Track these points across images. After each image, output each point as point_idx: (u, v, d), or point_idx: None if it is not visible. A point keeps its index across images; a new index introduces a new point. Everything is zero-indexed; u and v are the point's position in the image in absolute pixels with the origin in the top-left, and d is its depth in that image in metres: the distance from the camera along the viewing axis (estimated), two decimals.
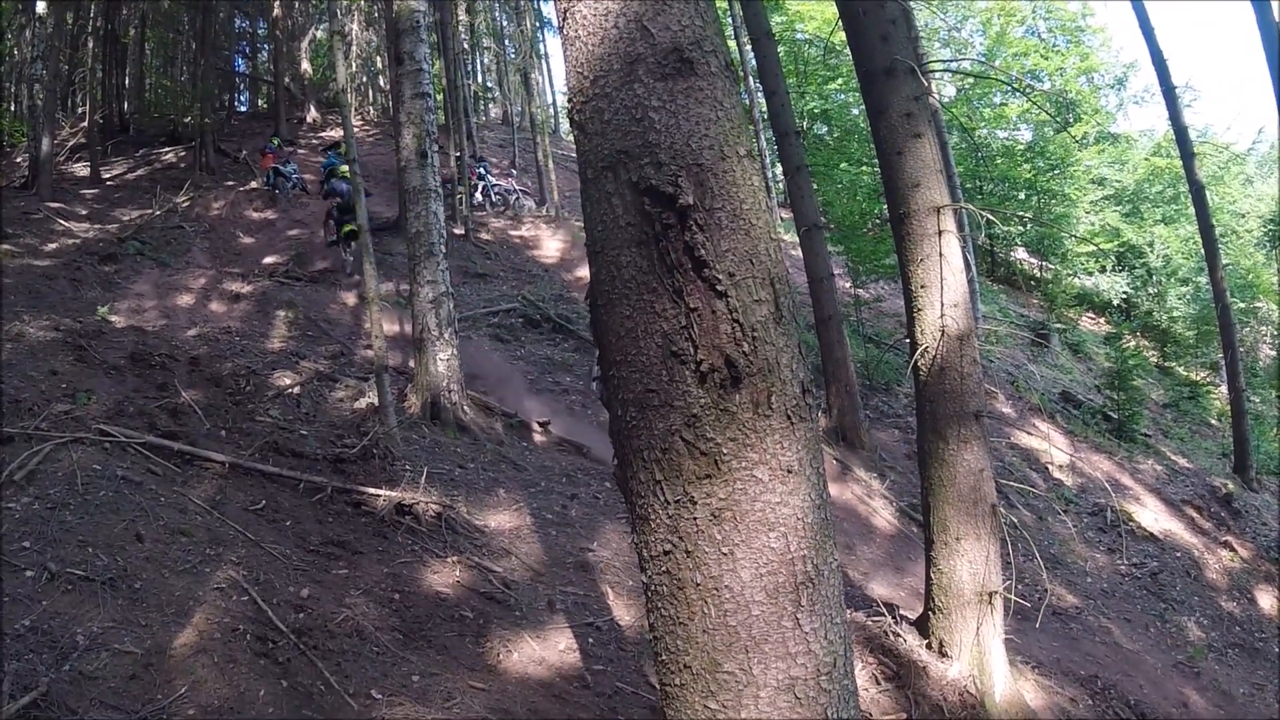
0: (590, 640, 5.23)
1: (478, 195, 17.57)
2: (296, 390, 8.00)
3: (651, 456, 1.77)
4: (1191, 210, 15.13)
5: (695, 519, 1.73)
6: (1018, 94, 19.34)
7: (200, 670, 3.77)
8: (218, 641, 3.99)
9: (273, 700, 3.79)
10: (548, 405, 9.38)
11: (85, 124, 19.53)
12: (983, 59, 22.46)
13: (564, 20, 1.93)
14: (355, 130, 9.07)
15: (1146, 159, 23.48)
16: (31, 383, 6.59)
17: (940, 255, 5.09)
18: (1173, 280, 21.89)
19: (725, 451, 1.71)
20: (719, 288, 1.69)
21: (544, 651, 4.99)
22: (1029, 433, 11.80)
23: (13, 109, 18.93)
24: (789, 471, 1.75)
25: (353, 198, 11.92)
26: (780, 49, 12.73)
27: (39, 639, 3.66)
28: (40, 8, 16.29)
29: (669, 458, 1.74)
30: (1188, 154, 12.92)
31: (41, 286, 9.87)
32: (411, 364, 8.52)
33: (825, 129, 20.61)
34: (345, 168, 13.15)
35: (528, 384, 9.92)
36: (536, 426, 8.59)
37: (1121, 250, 22.04)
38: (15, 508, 4.55)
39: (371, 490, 6.04)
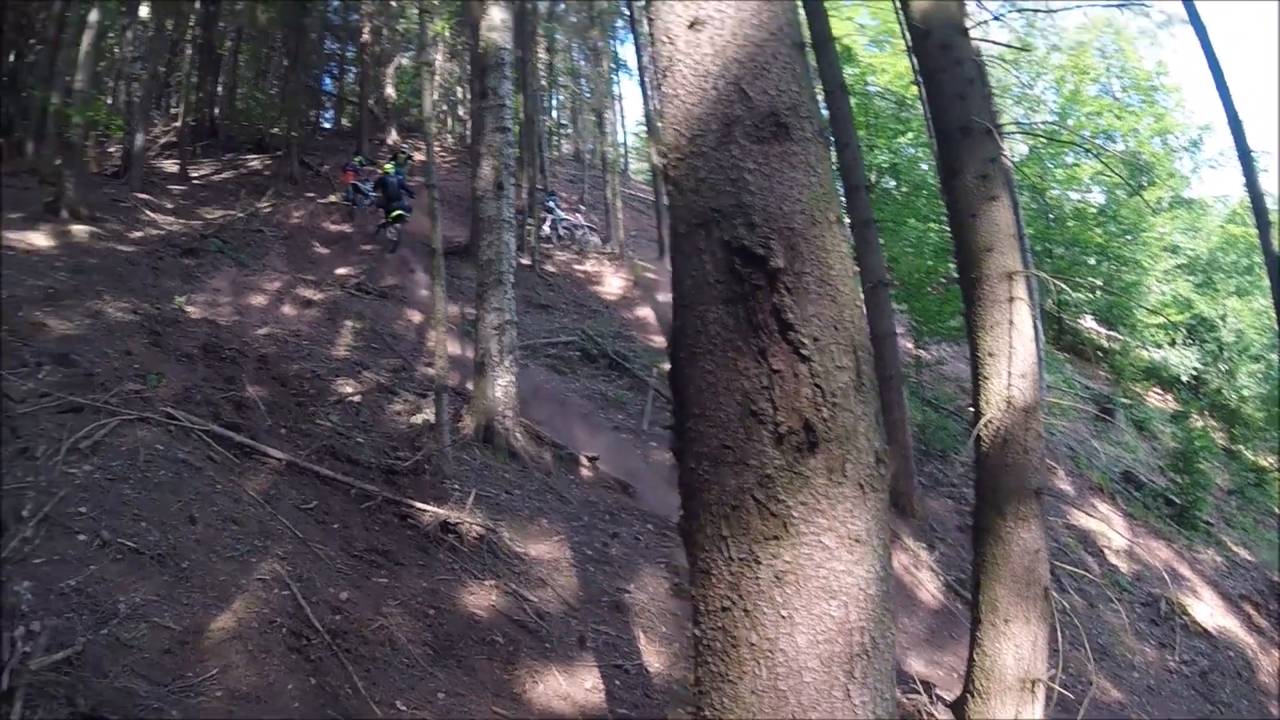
0: (617, 682, 5.20)
1: (546, 228, 17.84)
2: (357, 399, 8.16)
3: (720, 512, 1.77)
4: (1266, 282, 14.61)
5: (758, 579, 1.72)
6: (1090, 155, 18.99)
7: (233, 655, 3.85)
8: (254, 630, 4.07)
9: (300, 695, 3.85)
10: (598, 440, 9.37)
11: (178, 124, 20.46)
12: (1056, 117, 22.11)
13: (664, 78, 1.98)
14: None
15: (1221, 226, 22.77)
16: (106, 359, 6.81)
17: (1010, 323, 4.97)
18: (1244, 357, 20.88)
19: (795, 515, 1.70)
20: (803, 351, 1.70)
21: (570, 687, 4.97)
22: (1088, 513, 11.46)
23: (110, 102, 19.87)
24: (856, 541, 1.74)
25: (396, 188, 14.11)
26: (852, 101, 12.77)
27: (82, 600, 3.77)
28: (143, 11, 17.29)
29: (738, 515, 1.74)
30: (1263, 222, 12.43)
31: (124, 270, 10.24)
32: (469, 386, 8.62)
33: (894, 183, 20.54)
34: (390, 165, 14.92)
35: (580, 417, 9.94)
36: (585, 461, 8.58)
37: (1193, 322, 21.21)
38: (77, 474, 4.71)
39: (419, 505, 6.12)
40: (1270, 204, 13.81)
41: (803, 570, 1.70)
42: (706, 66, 1.88)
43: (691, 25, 1.92)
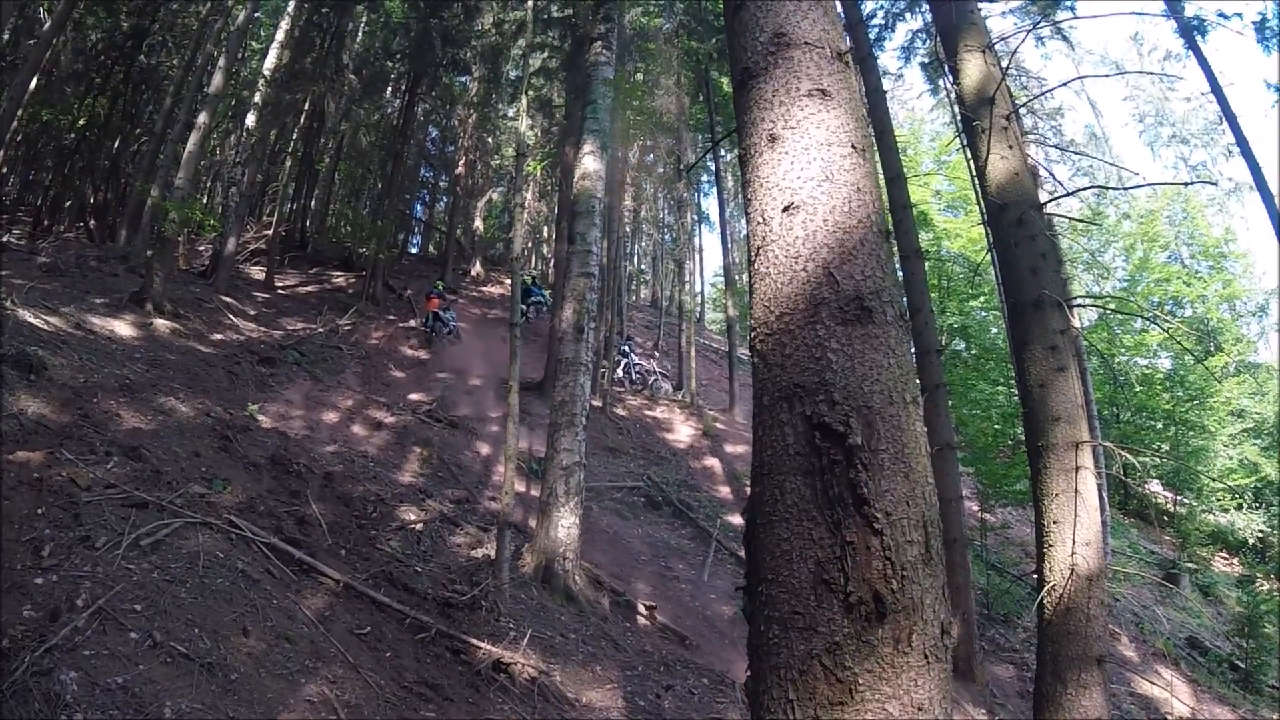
0: None
1: (619, 371, 18.17)
2: (419, 527, 8.18)
3: (788, 676, 1.81)
4: None
5: None
6: (1158, 323, 19.00)
7: None
8: None
9: None
10: (656, 589, 9.21)
11: (269, 232, 21.21)
12: (1125, 284, 22.21)
13: (756, 256, 2.16)
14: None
15: None
16: (174, 458, 6.92)
17: (1076, 492, 4.97)
18: None
19: (861, 682, 1.74)
20: (876, 525, 1.78)
21: None
22: (1151, 680, 10.89)
23: (205, 201, 20.94)
24: (919, 709, 1.76)
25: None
26: (925, 265, 13.08)
27: (127, 699, 3.77)
28: (249, 120, 18.56)
29: (805, 680, 1.78)
30: None
31: (200, 370, 10.49)
32: (532, 524, 8.60)
33: (963, 345, 20.73)
34: (528, 279, 16.80)
35: (640, 564, 9.80)
36: (642, 609, 8.43)
37: (1259, 486, 20.67)
38: (135, 570, 4.76)
39: (473, 641, 6.08)
40: None
41: None
42: (798, 249, 2.06)
43: (786, 209, 2.11)
